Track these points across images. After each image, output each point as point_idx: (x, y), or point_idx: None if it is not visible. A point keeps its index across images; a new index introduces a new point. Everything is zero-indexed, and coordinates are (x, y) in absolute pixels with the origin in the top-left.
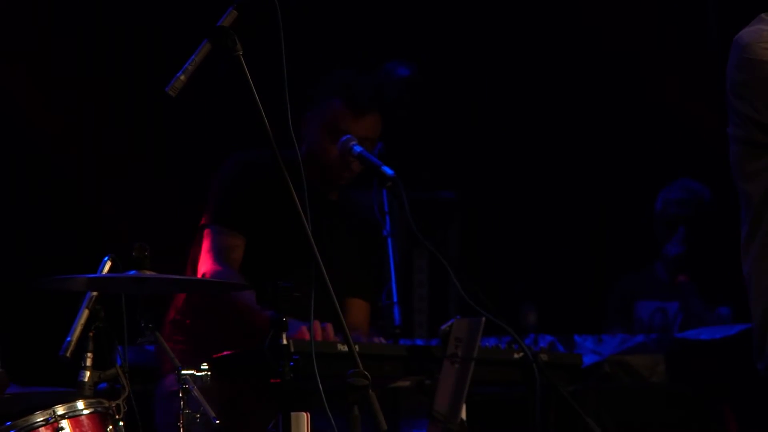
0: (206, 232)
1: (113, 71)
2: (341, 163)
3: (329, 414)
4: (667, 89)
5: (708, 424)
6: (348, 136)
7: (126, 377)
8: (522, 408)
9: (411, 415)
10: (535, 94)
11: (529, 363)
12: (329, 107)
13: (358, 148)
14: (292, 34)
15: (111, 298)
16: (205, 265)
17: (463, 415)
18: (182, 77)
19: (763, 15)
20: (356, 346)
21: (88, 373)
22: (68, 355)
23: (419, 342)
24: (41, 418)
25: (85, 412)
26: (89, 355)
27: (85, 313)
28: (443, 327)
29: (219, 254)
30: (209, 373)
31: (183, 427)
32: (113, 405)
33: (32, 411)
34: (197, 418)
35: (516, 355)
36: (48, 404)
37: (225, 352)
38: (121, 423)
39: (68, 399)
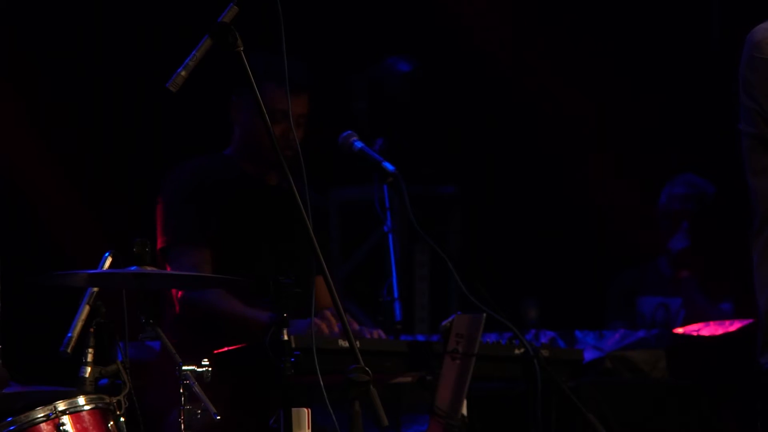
0: (170, 257)
1: (112, 69)
2: (283, 143)
3: (330, 409)
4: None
5: (708, 419)
6: (349, 131)
7: (127, 373)
8: (523, 404)
9: (412, 411)
10: (535, 88)
11: (530, 359)
12: (263, 90)
13: (359, 144)
14: (292, 30)
15: (112, 293)
16: (181, 291)
17: (464, 410)
18: (183, 73)
19: None
20: (357, 342)
21: (89, 369)
22: (69, 350)
23: (420, 338)
24: (42, 414)
25: (86, 407)
26: (90, 350)
27: (86, 309)
28: (444, 323)
29: None
30: (210, 368)
31: (184, 422)
32: (114, 401)
33: (33, 407)
34: (198, 413)
35: (517, 351)
36: (48, 402)
37: (226, 348)
38: (122, 419)
39: (69, 395)
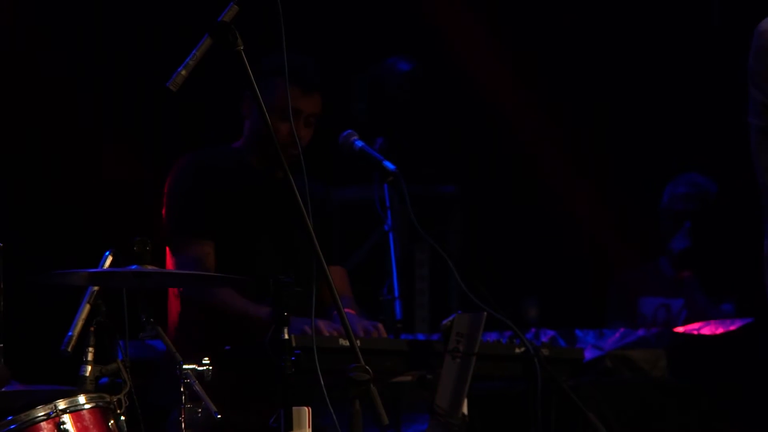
0: (173, 247)
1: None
2: (289, 141)
3: (331, 408)
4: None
5: (708, 418)
6: (349, 131)
7: (127, 372)
8: (523, 402)
9: (412, 410)
10: (535, 87)
11: (531, 358)
12: (275, 87)
13: (359, 143)
14: (292, 29)
15: (112, 292)
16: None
17: (465, 409)
18: (183, 72)
19: None
20: (358, 342)
21: (89, 368)
22: (69, 349)
23: (420, 337)
24: (43, 413)
25: (87, 406)
26: (90, 349)
27: (87, 308)
28: (445, 322)
29: (194, 268)
30: (210, 367)
31: (184, 421)
32: (115, 399)
33: (34, 405)
34: (198, 412)
35: (517, 350)
36: (49, 400)
37: (227, 347)
38: (122, 417)
39: (70, 394)
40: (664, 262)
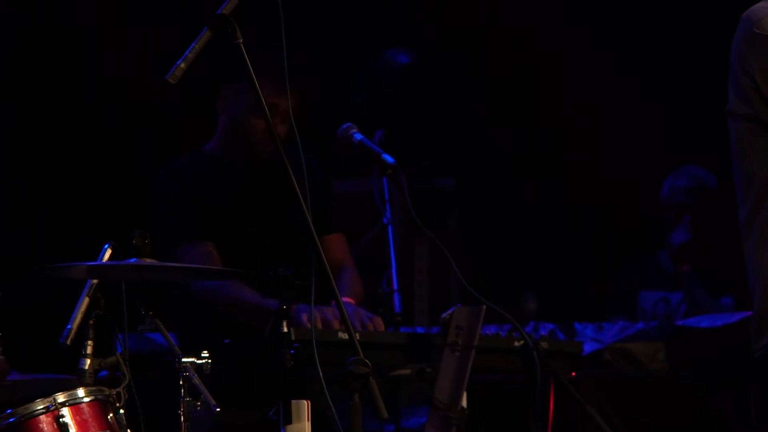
0: (175, 257)
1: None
2: (267, 137)
3: (330, 402)
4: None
5: (708, 411)
6: (348, 123)
7: (126, 365)
8: (522, 396)
9: (412, 403)
10: (535, 80)
11: (530, 351)
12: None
13: (358, 136)
14: (291, 23)
15: (111, 285)
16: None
17: (464, 403)
18: (182, 65)
19: None
20: (357, 335)
21: (88, 361)
22: (68, 342)
23: (420, 330)
24: (42, 406)
25: (86, 399)
26: (90, 342)
27: (86, 301)
28: (444, 315)
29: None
30: (209, 360)
31: (183, 414)
32: (114, 393)
33: (33, 398)
34: (198, 405)
35: (516, 343)
36: (48, 391)
37: (226, 340)
38: (121, 411)
39: (69, 387)
40: (664, 255)
